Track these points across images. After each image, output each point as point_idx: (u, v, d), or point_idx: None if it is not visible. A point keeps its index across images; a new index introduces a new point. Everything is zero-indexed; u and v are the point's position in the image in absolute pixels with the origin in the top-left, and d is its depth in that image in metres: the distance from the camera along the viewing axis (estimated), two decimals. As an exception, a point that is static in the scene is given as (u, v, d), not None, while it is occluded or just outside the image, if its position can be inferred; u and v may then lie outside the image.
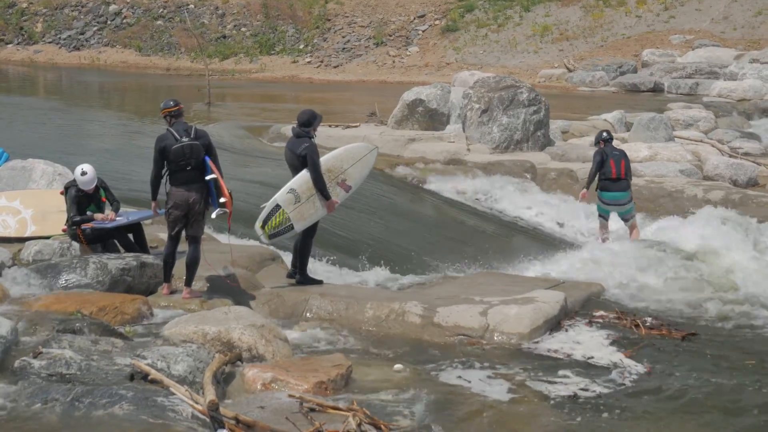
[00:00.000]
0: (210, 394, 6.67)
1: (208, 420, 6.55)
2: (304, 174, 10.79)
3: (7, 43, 51.91)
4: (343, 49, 46.27)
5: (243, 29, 49.65)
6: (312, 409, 6.89)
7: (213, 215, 10.07)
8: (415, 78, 39.67)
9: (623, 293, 11.75)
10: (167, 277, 10.32)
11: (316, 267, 12.49)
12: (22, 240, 11.86)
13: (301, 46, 47.45)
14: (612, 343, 9.38)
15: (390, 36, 46.39)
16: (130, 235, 11.56)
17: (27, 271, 10.17)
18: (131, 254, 10.92)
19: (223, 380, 7.51)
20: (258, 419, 6.61)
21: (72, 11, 52.72)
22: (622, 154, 14.91)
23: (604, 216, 14.94)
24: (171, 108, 10.20)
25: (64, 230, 11.61)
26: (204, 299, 10.06)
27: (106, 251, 11.29)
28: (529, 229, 16.96)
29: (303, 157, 10.77)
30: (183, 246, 10.35)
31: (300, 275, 11.16)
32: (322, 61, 45.69)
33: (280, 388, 7.39)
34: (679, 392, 8.04)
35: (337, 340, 9.41)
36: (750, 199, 17.08)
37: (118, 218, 11.47)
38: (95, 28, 51.56)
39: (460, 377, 8.23)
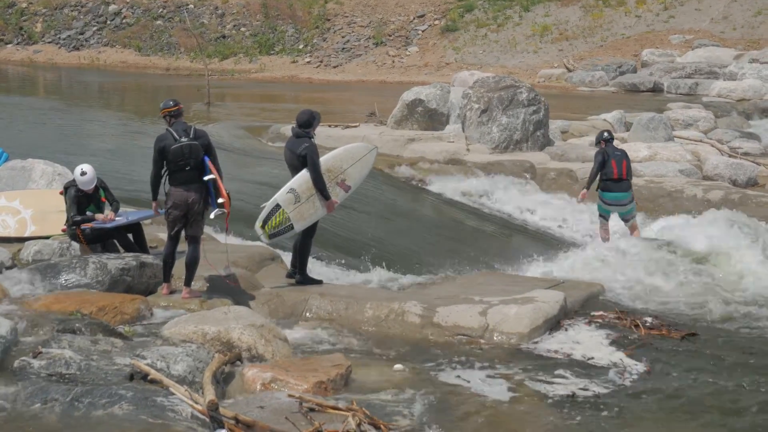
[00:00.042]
0: (209, 394, 6.67)
1: (207, 420, 6.55)
2: (304, 174, 10.80)
3: (6, 43, 51.90)
4: (343, 49, 46.27)
5: (242, 29, 49.65)
6: (311, 409, 6.89)
7: (211, 215, 10.07)
8: (414, 78, 39.67)
9: (623, 293, 11.75)
10: (167, 277, 10.32)
11: (320, 268, 12.51)
12: (21, 240, 11.87)
13: (301, 46, 47.45)
14: (612, 343, 9.38)
15: (389, 36, 46.40)
16: (130, 235, 11.57)
17: (26, 271, 10.17)
18: (131, 254, 10.92)
19: (223, 380, 7.51)
20: (257, 419, 6.61)
21: (71, 11, 52.72)
22: (624, 155, 14.90)
23: (604, 216, 14.92)
24: (171, 108, 10.20)
25: (63, 230, 11.61)
26: (203, 299, 10.06)
27: (106, 251, 11.29)
28: (529, 228, 16.96)
29: (303, 157, 10.77)
30: (183, 246, 10.35)
31: (300, 275, 11.17)
32: (321, 61, 45.69)
33: (279, 388, 7.38)
34: (679, 392, 8.04)
35: (337, 340, 9.41)
36: (749, 198, 17.07)
37: (117, 218, 11.47)
38: (95, 28, 51.55)
39: (459, 377, 8.23)
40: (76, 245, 11.38)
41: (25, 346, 7.64)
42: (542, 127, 21.13)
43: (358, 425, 6.60)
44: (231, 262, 11.14)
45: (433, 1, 48.17)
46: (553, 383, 8.11)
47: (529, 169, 19.25)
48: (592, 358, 8.90)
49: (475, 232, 16.48)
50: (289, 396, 7.13)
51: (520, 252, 14.30)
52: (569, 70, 39.44)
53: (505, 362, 8.69)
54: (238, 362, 7.94)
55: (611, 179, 14.59)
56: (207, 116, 27.00)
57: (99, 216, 11.39)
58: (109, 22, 51.77)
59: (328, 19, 48.62)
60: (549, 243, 15.72)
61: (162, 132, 10.15)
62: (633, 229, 14.83)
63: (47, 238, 11.82)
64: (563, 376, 8.31)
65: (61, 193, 11.65)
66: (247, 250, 12.36)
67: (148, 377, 7.09)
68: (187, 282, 10.17)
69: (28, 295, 9.58)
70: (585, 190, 15.09)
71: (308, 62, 45.96)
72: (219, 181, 9.94)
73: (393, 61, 44.50)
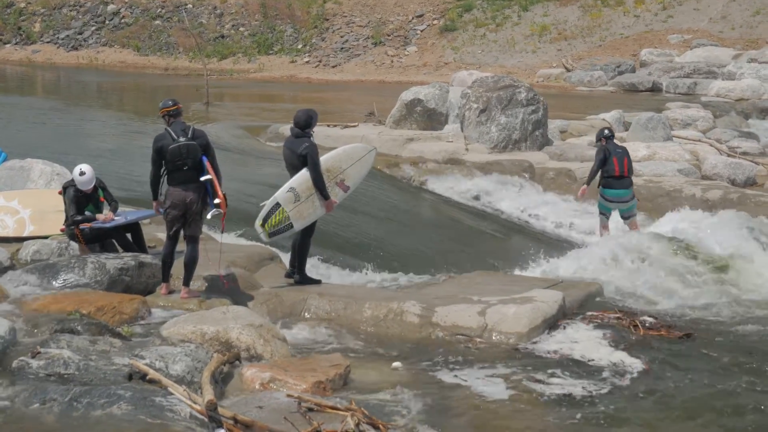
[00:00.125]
0: (208, 393, 6.67)
1: (206, 420, 6.55)
2: (304, 173, 10.81)
3: (5, 43, 51.87)
4: (342, 48, 46.27)
5: (241, 29, 49.65)
6: (310, 409, 6.89)
7: (208, 216, 10.07)
8: (413, 78, 39.67)
9: (623, 293, 11.74)
10: (165, 276, 10.31)
11: (319, 268, 12.52)
12: (20, 240, 11.86)
13: (300, 46, 47.45)
14: (610, 343, 9.36)
15: (388, 36, 46.40)
16: (129, 235, 11.56)
17: (25, 271, 10.16)
18: (129, 254, 10.91)
19: (222, 380, 7.51)
20: (256, 419, 6.61)
21: (70, 11, 52.70)
22: (625, 152, 14.93)
23: (605, 214, 14.94)
24: (170, 107, 10.20)
25: (62, 230, 11.60)
26: (202, 299, 10.05)
27: (105, 251, 11.29)
28: (527, 228, 16.97)
29: (303, 157, 10.79)
30: (182, 246, 10.34)
31: (298, 275, 11.17)
32: (320, 61, 45.69)
33: (278, 387, 7.39)
34: (677, 393, 8.04)
35: (336, 339, 9.41)
36: (748, 198, 17.09)
37: (116, 218, 11.47)
38: (93, 28, 51.54)
39: (458, 377, 8.23)
40: (74, 245, 11.37)
41: (24, 346, 7.63)
42: (541, 126, 21.14)
43: (357, 425, 6.60)
44: (230, 262, 11.16)
45: (432, 0, 48.18)
46: (551, 383, 8.10)
47: (528, 169, 19.26)
48: (591, 358, 8.90)
49: (474, 232, 16.49)
50: (288, 396, 7.13)
51: (519, 252, 14.30)
52: (568, 70, 39.44)
53: (503, 362, 8.69)
54: (237, 362, 7.93)
55: (612, 176, 14.61)
56: (206, 116, 27.00)
57: (101, 216, 11.38)
58: (107, 21, 51.76)
59: (327, 19, 48.62)
60: (548, 243, 15.72)
61: (161, 132, 10.15)
62: (633, 227, 14.84)
63: (46, 238, 11.82)
64: (562, 376, 8.31)
65: (59, 193, 11.65)
66: (246, 250, 12.37)
67: (147, 377, 7.09)
68: (186, 282, 10.16)
69: (26, 295, 9.57)
70: (585, 186, 15.09)
71: (307, 62, 45.96)
72: (215, 182, 9.93)
73: (392, 61, 44.50)
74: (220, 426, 6.47)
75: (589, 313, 10.43)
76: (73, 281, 9.95)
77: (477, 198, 18.24)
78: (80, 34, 51.31)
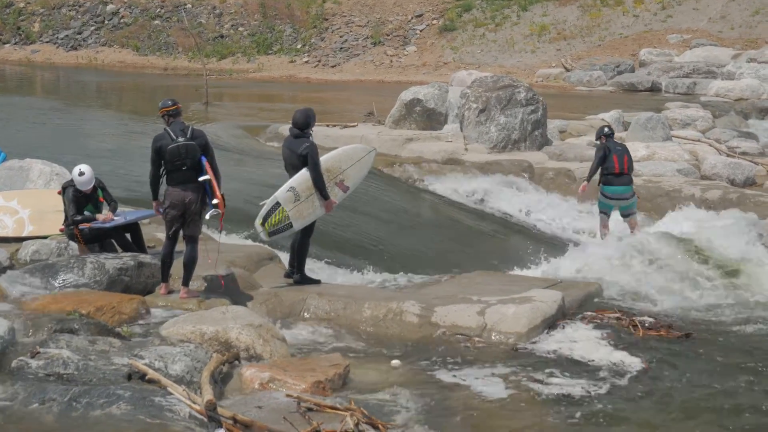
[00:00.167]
0: (207, 393, 6.67)
1: (205, 420, 6.55)
2: (304, 173, 10.82)
3: (4, 43, 51.84)
4: (341, 48, 46.26)
5: (240, 29, 49.64)
6: (309, 409, 6.89)
7: (207, 216, 10.07)
8: (412, 77, 39.65)
9: (624, 293, 11.74)
10: (165, 276, 10.31)
11: (318, 268, 12.51)
12: (19, 240, 11.85)
13: (299, 46, 47.44)
14: (610, 343, 9.37)
15: (387, 35, 46.39)
16: (128, 235, 11.55)
17: (24, 271, 10.16)
18: (129, 254, 10.91)
19: (221, 380, 7.51)
20: (255, 419, 6.61)
21: (69, 11, 52.67)
22: (625, 149, 14.97)
23: (605, 212, 14.95)
24: (169, 107, 10.20)
25: (61, 230, 11.60)
26: (201, 299, 10.05)
27: (104, 251, 11.28)
28: (527, 228, 16.96)
29: (304, 157, 10.80)
30: (181, 246, 10.34)
31: (298, 275, 11.17)
32: (319, 61, 45.68)
33: (277, 387, 7.39)
34: (676, 393, 8.04)
35: (335, 339, 9.41)
36: (747, 198, 17.09)
37: (115, 218, 11.46)
38: (92, 28, 51.51)
39: (457, 376, 8.23)
40: (74, 245, 11.37)
41: (23, 346, 7.63)
42: (540, 126, 21.13)
43: (356, 425, 6.61)
44: (230, 262, 11.16)
45: (431, 0, 48.17)
46: (550, 383, 8.10)
47: (527, 169, 19.26)
48: (590, 358, 8.90)
49: (473, 232, 16.48)
50: (287, 396, 7.13)
51: (518, 251, 14.30)
52: (567, 70, 39.44)
53: (502, 362, 8.69)
54: (236, 362, 7.93)
55: (612, 173, 14.64)
56: (205, 116, 26.99)
57: (101, 216, 11.38)
58: (106, 21, 51.74)
59: (326, 19, 48.61)
60: (547, 243, 15.72)
61: (160, 132, 10.15)
62: (633, 225, 14.86)
63: (45, 238, 11.81)
64: (561, 376, 8.31)
65: (59, 193, 11.64)
66: (245, 250, 12.36)
67: (146, 377, 7.09)
68: (185, 282, 10.16)
69: (25, 295, 9.57)
70: (585, 183, 15.10)
71: (306, 62, 45.95)
72: (213, 182, 9.92)
73: (391, 61, 44.50)
74: (220, 426, 6.48)
75: (589, 313, 10.43)
76: (73, 281, 9.94)
77: (476, 198, 18.23)
78: (79, 33, 51.29)
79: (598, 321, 10.11)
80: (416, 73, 41.99)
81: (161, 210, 10.26)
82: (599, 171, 14.76)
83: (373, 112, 25.07)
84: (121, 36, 50.63)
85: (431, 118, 22.27)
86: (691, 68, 35.84)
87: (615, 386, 8.12)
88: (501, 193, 18.29)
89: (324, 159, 11.10)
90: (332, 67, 44.97)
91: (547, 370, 8.44)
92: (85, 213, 11.36)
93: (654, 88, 35.38)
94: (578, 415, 7.39)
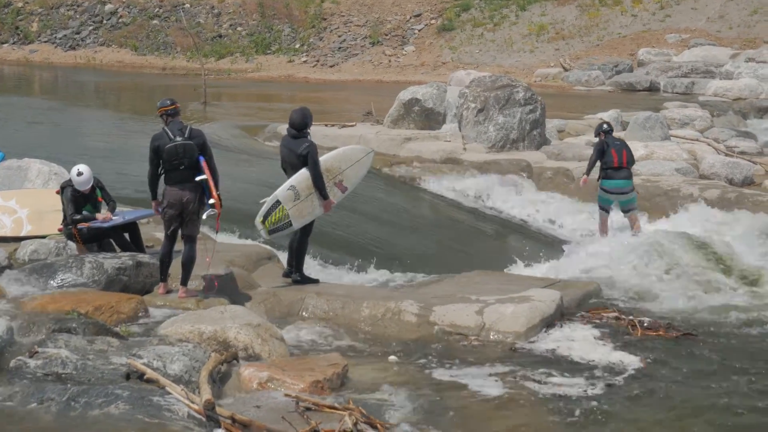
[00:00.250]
0: (206, 393, 6.67)
1: (204, 419, 6.55)
2: (304, 172, 10.84)
3: (2, 43, 51.81)
4: (339, 48, 46.25)
5: (239, 29, 49.63)
6: (308, 409, 6.90)
7: (204, 216, 10.07)
8: (411, 77, 39.63)
9: (621, 292, 11.74)
10: (163, 276, 10.31)
11: (317, 267, 12.52)
12: (18, 239, 11.84)
13: (297, 46, 47.43)
14: (608, 343, 9.38)
15: (386, 35, 46.38)
16: (126, 235, 11.55)
17: (23, 271, 10.15)
18: (127, 253, 10.91)
19: (219, 379, 7.51)
20: (254, 418, 6.61)
21: (68, 11, 52.64)
22: (623, 144, 15.04)
23: (604, 208, 14.97)
24: (167, 107, 10.19)
25: (59, 230, 11.59)
26: (200, 298, 10.04)
27: (102, 250, 11.27)
28: (525, 228, 16.95)
29: (304, 157, 10.82)
30: (180, 245, 10.33)
31: (297, 274, 11.17)
32: (318, 61, 45.67)
33: (276, 387, 7.39)
34: (673, 392, 8.04)
35: (334, 339, 9.41)
36: (746, 197, 17.09)
37: (114, 217, 11.46)
38: (91, 28, 51.49)
39: (455, 376, 8.24)
40: (72, 245, 11.36)
41: (22, 345, 7.64)
42: (539, 126, 21.13)
43: (355, 424, 6.61)
44: (228, 261, 11.16)
45: (430, 0, 48.17)
46: (548, 382, 8.11)
47: (526, 168, 19.25)
48: (588, 357, 8.90)
49: (472, 231, 16.48)
50: (286, 395, 7.13)
51: (517, 251, 14.29)
52: (566, 70, 39.43)
53: (501, 361, 8.70)
54: (235, 361, 7.93)
55: (611, 167, 14.70)
56: (203, 116, 26.98)
57: (100, 216, 11.37)
58: (105, 21, 51.72)
59: (325, 19, 48.60)
60: (546, 242, 15.73)
61: (158, 131, 10.15)
62: (633, 221, 14.88)
63: (43, 237, 11.80)
64: (559, 376, 8.32)
65: (57, 193, 11.63)
66: (243, 250, 12.36)
67: (145, 377, 7.09)
68: (184, 281, 10.16)
69: (24, 294, 9.58)
70: (585, 176, 15.16)
71: (305, 62, 45.93)
72: (210, 182, 9.92)
73: (389, 61, 44.49)
74: (218, 425, 6.48)
75: (587, 312, 10.44)
76: (71, 281, 9.94)
77: (475, 197, 18.23)
78: (78, 33, 51.26)
79: (597, 321, 10.12)
80: (415, 72, 41.98)
81: (159, 209, 10.25)
82: (599, 166, 14.82)
83: (372, 112, 25.06)
84: (119, 36, 50.61)
85: (430, 118, 22.26)
86: (689, 68, 35.84)
87: (613, 386, 8.13)
88: (499, 192, 18.28)
89: (324, 159, 11.12)
90: (331, 66, 44.96)
91: (545, 370, 8.44)
92: (84, 213, 11.35)
93: (652, 88, 35.37)
94: (576, 414, 7.40)
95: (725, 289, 12.06)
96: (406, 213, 16.99)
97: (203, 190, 9.98)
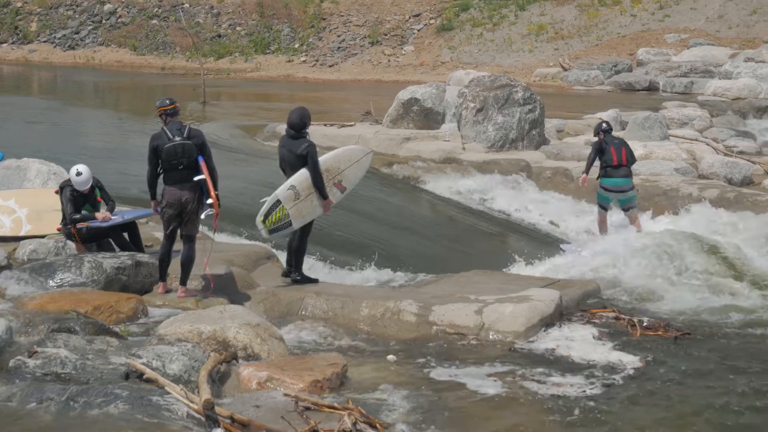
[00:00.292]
0: (205, 393, 6.67)
1: (203, 419, 6.55)
2: (304, 172, 10.85)
3: (1, 43, 51.80)
4: (339, 48, 46.25)
5: (238, 28, 49.62)
6: (307, 408, 6.89)
7: (202, 216, 10.07)
8: (410, 77, 39.63)
9: (622, 292, 11.73)
10: (162, 276, 10.31)
11: (317, 267, 12.51)
12: (17, 239, 11.84)
13: (297, 46, 47.43)
14: (607, 343, 9.37)
15: (385, 35, 46.38)
16: (125, 234, 11.55)
17: (22, 271, 10.15)
18: (126, 253, 10.91)
19: (219, 379, 7.51)
20: (253, 418, 6.61)
21: (67, 10, 52.63)
22: (622, 142, 15.09)
23: (603, 206, 14.99)
24: (166, 106, 10.19)
25: (58, 229, 11.59)
26: (199, 298, 10.04)
27: (101, 250, 11.27)
28: (524, 227, 16.96)
29: (304, 157, 10.83)
30: (179, 245, 10.33)
31: (296, 274, 11.17)
32: (317, 60, 45.67)
33: (275, 387, 7.39)
34: (672, 392, 8.04)
35: (333, 338, 9.40)
36: (745, 197, 17.11)
37: (113, 217, 11.46)
38: (90, 28, 51.48)
39: (455, 375, 8.24)
40: (71, 244, 11.36)
41: (21, 345, 7.63)
42: (538, 126, 21.14)
43: (354, 424, 6.60)
44: (227, 260, 11.16)
45: (429, 0, 48.17)
46: (547, 382, 8.11)
47: (525, 168, 19.27)
48: (587, 357, 8.90)
49: (471, 231, 16.48)
50: (285, 395, 7.13)
51: (516, 250, 14.29)
52: (565, 69, 39.44)
53: (500, 361, 8.70)
54: (234, 361, 7.93)
55: (611, 165, 14.74)
56: (202, 115, 26.98)
57: (100, 215, 11.37)
58: (104, 21, 51.71)
59: (324, 19, 48.60)
60: (545, 241, 15.73)
61: (157, 131, 10.15)
62: (633, 219, 14.90)
63: (43, 237, 11.80)
64: (558, 375, 8.32)
65: (56, 192, 11.63)
66: (242, 249, 12.36)
67: (144, 376, 7.09)
68: (183, 281, 10.16)
69: (23, 294, 9.57)
70: (585, 175, 15.19)
71: (304, 61, 45.94)
72: (208, 182, 9.92)
73: (389, 61, 44.49)
74: (217, 425, 6.48)
75: (587, 312, 10.43)
76: (70, 280, 9.94)
77: (474, 197, 18.23)
78: (77, 33, 51.25)
79: (596, 320, 10.11)
80: (414, 72, 41.98)
81: (158, 209, 10.26)
82: (599, 165, 14.86)
83: (371, 112, 25.06)
84: (118, 35, 50.60)
85: (429, 118, 22.26)
86: (688, 68, 35.84)
87: (612, 385, 8.13)
88: (498, 192, 18.29)
89: (323, 159, 11.13)
90: (330, 66, 44.95)
91: (544, 369, 8.45)
92: (83, 212, 11.35)
93: (651, 88, 35.37)
94: (575, 414, 7.40)
95: (730, 290, 12.03)
96: (405, 213, 16.99)
97: (202, 189, 9.98)
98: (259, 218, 10.90)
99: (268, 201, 10.87)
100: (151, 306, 9.78)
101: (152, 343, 7.82)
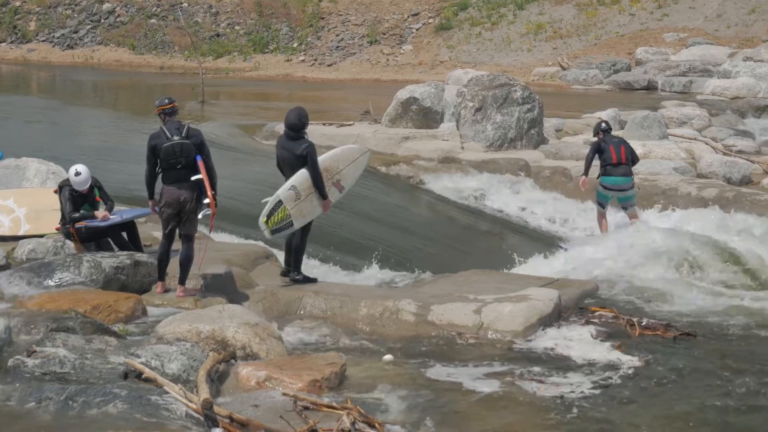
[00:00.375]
0: (204, 392, 6.67)
1: (202, 418, 6.55)
2: (304, 172, 10.85)
3: (0, 42, 51.78)
4: (337, 47, 46.25)
5: (237, 28, 49.61)
6: (306, 408, 6.89)
7: (199, 215, 10.07)
8: (408, 76, 39.63)
9: (622, 292, 11.73)
10: (161, 275, 10.31)
11: (316, 267, 12.51)
12: (15, 239, 11.85)
13: (295, 45, 47.43)
14: (605, 342, 9.36)
15: (384, 34, 46.38)
16: (124, 234, 11.55)
17: (21, 270, 10.15)
18: (125, 253, 10.90)
19: (217, 379, 7.50)
20: (252, 418, 6.61)
21: (65, 10, 52.61)
22: (621, 141, 15.14)
23: (601, 204, 15.01)
24: (165, 106, 10.20)
25: (57, 229, 11.59)
26: (198, 297, 10.05)
27: (100, 249, 11.27)
28: (523, 226, 16.96)
29: (303, 157, 10.82)
30: (178, 244, 10.33)
31: (296, 273, 11.17)
32: (315, 60, 45.67)
33: (274, 386, 7.38)
34: (670, 392, 8.04)
35: (332, 338, 9.40)
36: (744, 196, 17.10)
37: (112, 216, 11.46)
38: (89, 27, 51.46)
39: (453, 375, 8.23)
40: (70, 244, 11.36)
41: (20, 345, 7.63)
42: (537, 125, 21.14)
43: (353, 424, 6.60)
44: (226, 260, 11.16)
45: (428, -1, 48.23)
46: (545, 382, 8.11)
47: (524, 167, 19.27)
48: (586, 356, 8.90)
49: (470, 230, 16.49)
50: (284, 394, 7.13)
51: (515, 250, 14.29)
52: (563, 69, 39.46)
53: (498, 360, 8.70)
54: (233, 361, 7.93)
55: (610, 164, 14.77)
56: (201, 115, 26.97)
57: (99, 214, 11.36)
58: (103, 20, 51.69)
59: (323, 18, 48.60)
60: (544, 241, 15.73)
61: (156, 130, 10.15)
62: (632, 217, 14.92)
63: (41, 236, 11.80)
64: (556, 375, 8.32)
65: (55, 192, 11.64)
66: (241, 248, 12.36)
67: (143, 376, 7.09)
68: (182, 280, 10.16)
69: (22, 293, 9.57)
70: (584, 177, 15.22)
71: (302, 60, 45.94)
72: (205, 181, 9.92)
73: (387, 60, 44.49)
74: (216, 425, 6.48)
75: (586, 311, 10.43)
76: (69, 280, 9.94)
77: (472, 196, 18.23)
78: (76, 32, 51.23)
79: (596, 320, 10.11)
80: (412, 71, 41.99)
81: (157, 209, 10.26)
82: (599, 164, 14.89)
83: (370, 111, 25.06)
84: (117, 35, 50.58)
85: (427, 117, 22.26)
86: (687, 67, 35.86)
87: (610, 385, 8.13)
88: (497, 191, 18.29)
89: (321, 159, 11.13)
90: (328, 65, 44.96)
91: (543, 369, 8.44)
92: (82, 212, 11.35)
93: (650, 87, 35.39)
94: (573, 413, 7.40)
95: (738, 290, 12.03)
96: (404, 212, 16.99)
97: (201, 189, 9.98)
98: (262, 219, 10.90)
99: (270, 201, 10.86)
100: (150, 305, 9.78)
101: (151, 343, 7.82)
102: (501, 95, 20.92)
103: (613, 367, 8.60)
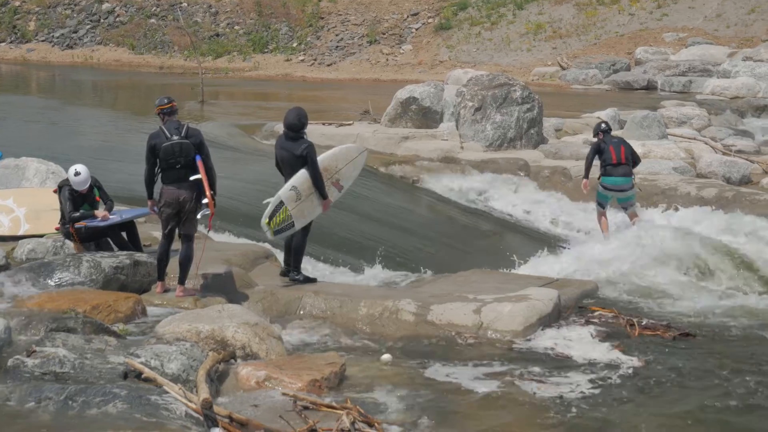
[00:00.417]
0: (203, 392, 6.66)
1: (201, 418, 6.55)
2: (305, 172, 10.84)
3: (-1, 42, 51.87)
4: (337, 47, 46.25)
5: (236, 27, 49.62)
6: (306, 408, 6.89)
7: (198, 215, 10.07)
8: (408, 76, 39.65)
9: (622, 292, 11.72)
10: (161, 275, 10.30)
11: (316, 266, 12.51)
12: (15, 238, 11.84)
13: (295, 45, 47.43)
14: (605, 342, 9.36)
15: (383, 34, 46.39)
16: (124, 234, 11.55)
17: (20, 270, 10.14)
18: (125, 252, 10.90)
19: (217, 378, 7.50)
20: (251, 417, 6.61)
21: (65, 9, 52.61)
22: (621, 141, 15.14)
23: (601, 204, 15.02)
24: (165, 105, 10.19)
25: (57, 228, 11.59)
26: (197, 297, 10.05)
27: (100, 249, 11.27)
28: (523, 226, 16.96)
29: (303, 157, 10.82)
30: (177, 244, 10.33)
31: (297, 274, 11.17)
32: (315, 60, 45.67)
33: (273, 386, 7.38)
34: (670, 392, 8.04)
35: (331, 338, 9.40)
36: (743, 196, 17.10)
37: (111, 216, 11.46)
38: (88, 27, 51.46)
39: (453, 375, 8.23)
40: (69, 244, 11.36)
41: (19, 344, 7.63)
42: (536, 125, 21.14)
43: (352, 423, 6.60)
44: (225, 260, 11.16)
45: (427, -1, 48.24)
46: (545, 381, 8.11)
47: (523, 167, 19.27)
48: (585, 356, 8.89)
49: (469, 230, 16.48)
50: (283, 394, 7.13)
51: (515, 250, 14.29)
52: (563, 68, 39.47)
53: (498, 360, 8.69)
54: (232, 360, 7.93)
55: (610, 164, 14.78)
56: (201, 114, 26.97)
57: (100, 213, 11.36)
58: (102, 20, 51.69)
59: (322, 18, 48.60)
60: (543, 240, 15.72)
61: (155, 130, 10.15)
62: (632, 217, 14.92)
63: (41, 236, 11.80)
64: (556, 374, 8.32)
65: (54, 192, 11.64)
66: (241, 248, 12.36)
67: (142, 376, 7.09)
68: (181, 280, 10.16)
69: (21, 293, 9.56)
70: (585, 180, 15.23)
71: (302, 60, 45.94)
72: (204, 181, 9.91)
73: (387, 60, 44.50)
74: (216, 424, 6.47)
75: (586, 311, 10.43)
76: (69, 280, 9.94)
77: (472, 196, 18.24)
78: (75, 32, 51.23)
79: (596, 320, 10.11)
80: (412, 71, 42.00)
81: (156, 209, 10.25)
82: (599, 164, 14.90)
83: (369, 111, 25.07)
84: (116, 35, 50.58)
85: (427, 117, 22.27)
86: (686, 66, 35.88)
87: (610, 385, 8.12)
88: (497, 191, 18.29)
89: (320, 159, 11.13)
90: (328, 65, 44.96)
91: (542, 369, 8.44)
92: (81, 211, 11.35)
93: (650, 87, 35.40)
94: (573, 413, 7.40)
95: (740, 291, 12.02)
96: (403, 212, 16.99)
97: (200, 189, 9.97)
98: (264, 220, 10.90)
99: (272, 202, 10.86)
100: (150, 305, 9.78)
101: (150, 343, 7.82)
102: (500, 95, 20.93)
103: (612, 367, 8.60)
